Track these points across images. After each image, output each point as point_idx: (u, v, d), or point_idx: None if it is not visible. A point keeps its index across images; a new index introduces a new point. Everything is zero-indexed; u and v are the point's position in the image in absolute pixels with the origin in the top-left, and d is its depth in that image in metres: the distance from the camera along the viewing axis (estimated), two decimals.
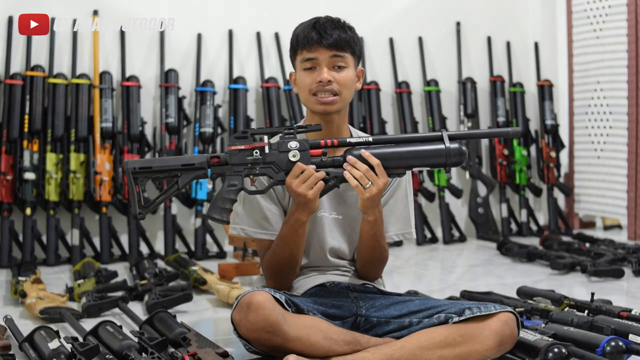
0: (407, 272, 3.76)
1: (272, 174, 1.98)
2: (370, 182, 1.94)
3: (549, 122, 4.84)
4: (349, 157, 1.95)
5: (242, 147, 1.98)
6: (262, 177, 2.04)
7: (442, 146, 1.96)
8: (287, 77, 4.02)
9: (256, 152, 1.97)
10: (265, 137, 1.98)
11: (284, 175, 1.97)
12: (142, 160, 2.01)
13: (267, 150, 1.97)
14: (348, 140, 1.99)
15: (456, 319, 1.97)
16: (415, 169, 2.02)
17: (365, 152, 1.95)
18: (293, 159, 1.97)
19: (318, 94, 2.08)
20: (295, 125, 2.00)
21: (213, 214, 1.99)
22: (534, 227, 4.83)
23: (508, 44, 4.94)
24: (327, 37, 2.05)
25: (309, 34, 2.07)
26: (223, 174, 1.99)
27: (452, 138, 1.97)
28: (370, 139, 1.99)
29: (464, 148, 1.97)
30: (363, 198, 1.97)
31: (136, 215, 1.99)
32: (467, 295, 2.81)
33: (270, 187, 2.01)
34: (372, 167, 1.95)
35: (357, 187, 1.95)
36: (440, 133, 1.97)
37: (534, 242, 4.32)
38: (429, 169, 2.02)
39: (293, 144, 1.97)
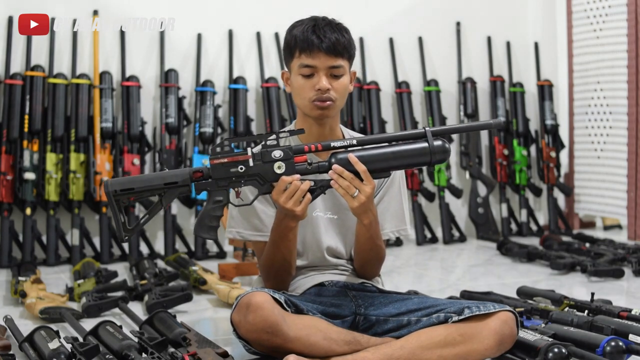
0: (407, 272, 3.76)
1: (258, 186, 1.95)
2: (357, 191, 1.93)
3: (549, 122, 4.84)
4: (335, 167, 1.93)
5: (225, 160, 1.94)
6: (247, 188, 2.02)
7: (425, 144, 1.94)
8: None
9: (241, 168, 1.93)
10: (249, 149, 1.95)
11: (270, 187, 1.95)
12: (122, 181, 1.96)
13: (251, 163, 1.94)
14: (332, 144, 1.97)
15: (455, 318, 1.97)
16: (402, 169, 2.01)
17: (352, 158, 1.93)
18: (278, 171, 1.94)
19: (316, 101, 2.07)
20: (278, 131, 1.97)
21: (201, 233, 1.96)
22: (534, 227, 4.83)
23: (508, 44, 4.94)
24: (326, 42, 2.04)
25: (309, 38, 2.05)
26: (207, 189, 1.95)
27: (435, 134, 1.96)
28: (354, 141, 1.97)
29: (447, 145, 1.95)
30: (352, 206, 1.96)
31: (122, 239, 1.95)
32: (467, 295, 2.81)
33: (255, 199, 2.00)
34: (357, 173, 1.93)
35: (345, 196, 1.94)
36: (423, 130, 1.96)
37: (534, 242, 4.32)
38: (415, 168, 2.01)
39: (277, 154, 1.94)
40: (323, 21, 2.09)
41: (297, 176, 1.93)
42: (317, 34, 2.05)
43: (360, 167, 1.93)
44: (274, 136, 1.95)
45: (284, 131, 1.98)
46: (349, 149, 1.96)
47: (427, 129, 1.96)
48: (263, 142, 1.95)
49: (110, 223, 4.00)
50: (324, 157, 2.09)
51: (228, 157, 1.94)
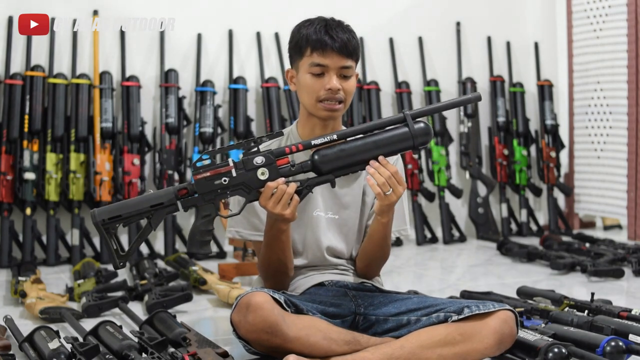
0: (407, 272, 3.76)
1: (244, 194, 1.95)
2: (391, 190, 1.94)
3: (549, 122, 4.84)
4: (372, 162, 1.93)
5: (208, 173, 1.93)
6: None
7: (406, 129, 1.93)
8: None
9: (225, 180, 1.93)
10: (230, 160, 1.94)
11: (257, 194, 1.94)
12: (109, 209, 1.94)
13: (234, 173, 1.93)
14: (312, 142, 1.96)
15: (455, 317, 1.97)
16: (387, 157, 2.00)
17: (383, 159, 1.93)
18: (262, 177, 1.93)
19: (325, 101, 2.08)
20: (257, 138, 1.96)
21: (194, 249, 1.96)
22: (534, 227, 4.83)
23: (508, 44, 4.94)
24: (338, 42, 2.04)
25: (322, 38, 2.05)
26: (195, 205, 1.95)
27: (415, 117, 1.95)
28: (335, 135, 1.96)
29: (429, 127, 1.95)
30: (382, 203, 1.97)
31: (117, 267, 1.94)
32: (467, 295, 2.81)
33: (242, 209, 2.00)
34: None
35: (379, 194, 1.95)
36: (402, 114, 1.94)
37: (534, 242, 4.32)
38: (399, 154, 2.00)
39: (259, 160, 1.93)
40: (333, 22, 2.09)
41: (282, 180, 1.94)
42: (330, 34, 2.05)
43: (392, 168, 1.93)
44: (254, 143, 1.94)
45: (264, 136, 1.97)
46: (344, 143, 1.96)
47: (406, 112, 1.95)
48: (244, 151, 1.95)
49: None
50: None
51: (210, 171, 1.94)
